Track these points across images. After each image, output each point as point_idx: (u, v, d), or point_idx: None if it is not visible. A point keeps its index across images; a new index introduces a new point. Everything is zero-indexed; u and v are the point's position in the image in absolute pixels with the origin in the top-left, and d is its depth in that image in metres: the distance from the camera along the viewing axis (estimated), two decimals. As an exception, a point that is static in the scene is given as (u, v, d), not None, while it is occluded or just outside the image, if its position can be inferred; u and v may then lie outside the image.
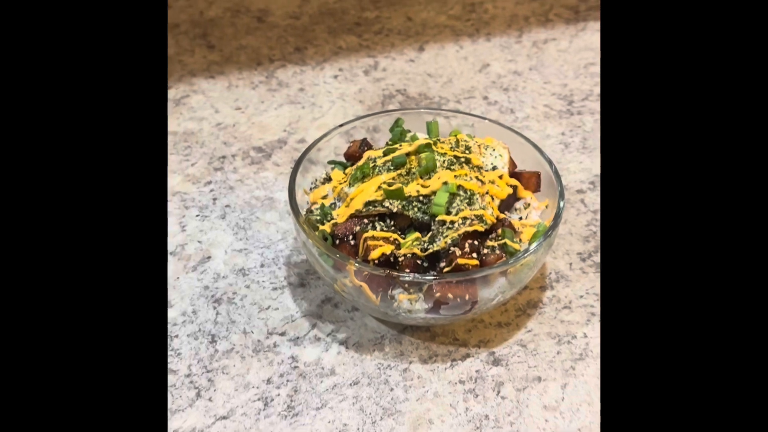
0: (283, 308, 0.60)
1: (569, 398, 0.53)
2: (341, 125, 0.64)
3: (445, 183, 0.54)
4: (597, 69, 0.87)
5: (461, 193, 0.54)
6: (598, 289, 0.61)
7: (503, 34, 0.93)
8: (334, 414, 0.53)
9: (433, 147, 0.57)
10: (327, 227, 0.56)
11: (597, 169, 0.73)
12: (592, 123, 0.79)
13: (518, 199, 0.58)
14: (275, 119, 0.79)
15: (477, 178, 0.56)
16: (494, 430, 0.51)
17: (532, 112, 0.80)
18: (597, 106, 0.81)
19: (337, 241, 0.55)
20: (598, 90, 0.83)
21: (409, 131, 0.62)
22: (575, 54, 0.89)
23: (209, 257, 0.64)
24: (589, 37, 0.92)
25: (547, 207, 0.59)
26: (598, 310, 0.59)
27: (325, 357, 0.56)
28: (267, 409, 0.53)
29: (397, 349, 0.57)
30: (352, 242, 0.55)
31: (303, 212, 0.59)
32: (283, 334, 0.58)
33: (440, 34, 0.93)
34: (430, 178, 0.55)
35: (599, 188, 0.71)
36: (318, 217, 0.57)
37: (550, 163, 0.59)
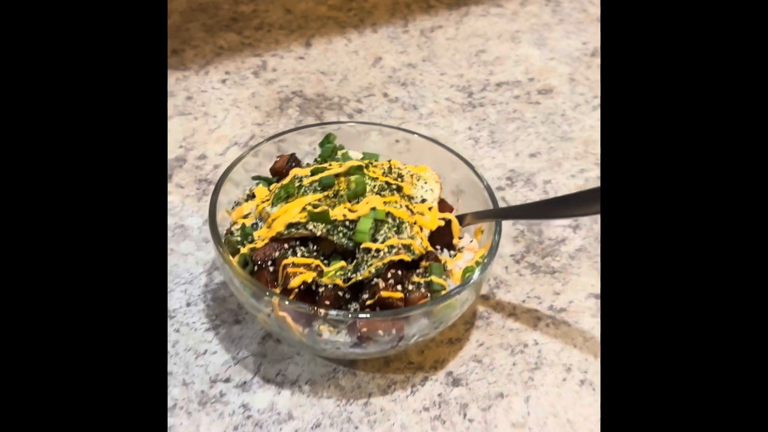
0: (222, 351, 0.55)
1: (534, 412, 0.53)
2: (253, 148, 0.59)
3: (373, 208, 0.52)
4: (488, 56, 0.86)
5: (390, 220, 0.52)
6: (538, 292, 0.61)
7: (389, 24, 0.90)
8: (301, 464, 0.49)
9: (365, 170, 0.54)
10: (247, 250, 0.52)
11: (511, 163, 0.73)
12: (495, 115, 0.78)
13: (452, 236, 0.56)
14: (167, 134, 0.73)
15: (407, 207, 0.53)
16: (468, 455, 0.50)
17: (435, 107, 0.79)
18: (496, 96, 0.81)
19: (256, 268, 0.52)
20: (494, 79, 0.83)
21: (342, 147, 0.59)
22: (464, 41, 0.88)
23: (126, 301, 0.58)
24: (474, 23, 0.92)
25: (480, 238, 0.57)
26: (542, 314, 0.59)
27: (279, 401, 0.52)
28: (228, 469, 0.49)
29: (353, 382, 0.54)
30: (272, 268, 0.51)
31: (223, 234, 0.54)
32: (227, 380, 0.53)
33: (324, 26, 0.89)
34: (358, 202, 0.52)
35: (517, 184, 0.70)
36: (238, 239, 0.53)
37: (489, 190, 0.57)
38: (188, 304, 0.58)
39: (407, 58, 0.85)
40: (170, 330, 0.56)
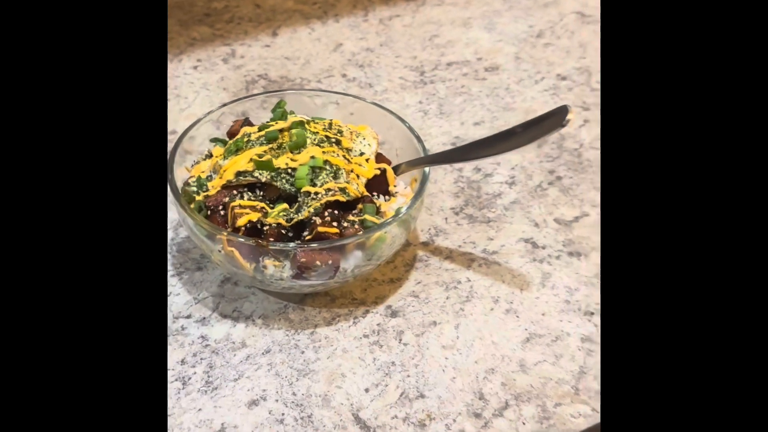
0: (184, 293, 0.62)
1: (463, 336, 0.59)
2: (209, 113, 0.66)
3: (312, 157, 0.58)
4: (441, 40, 0.93)
5: (327, 167, 0.58)
6: (473, 238, 0.67)
7: (350, 15, 0.97)
8: (252, 382, 0.56)
9: (306, 126, 0.61)
10: (201, 197, 0.59)
11: (456, 131, 0.79)
12: (445, 90, 0.85)
13: (387, 184, 0.62)
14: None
15: (344, 157, 0.60)
16: (402, 374, 0.56)
17: (389, 85, 0.86)
18: (447, 74, 0.87)
19: (209, 212, 0.58)
20: (444, 59, 0.90)
21: (293, 112, 0.65)
22: (419, 28, 0.95)
23: (100, 254, 0.65)
24: (429, 11, 0.98)
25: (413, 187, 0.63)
26: (476, 256, 0.66)
27: (234, 332, 0.59)
28: (186, 387, 0.55)
29: (301, 316, 0.60)
30: (223, 213, 0.58)
31: (180, 186, 0.61)
32: (188, 317, 0.60)
33: (290, 18, 0.96)
34: (300, 153, 0.59)
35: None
36: (194, 188, 0.60)
37: (420, 140, 0.64)
38: (156, 255, 0.65)
39: (366, 43, 0.92)
40: (139, 276, 0.63)
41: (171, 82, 0.84)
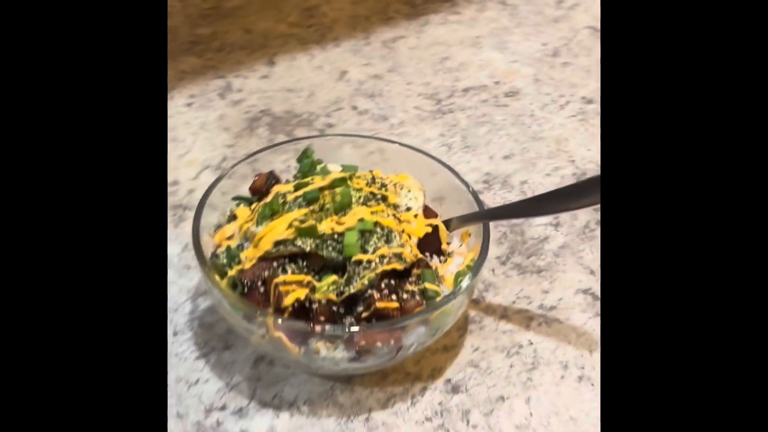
0: (215, 378, 0.54)
1: (536, 412, 0.53)
2: (232, 167, 0.58)
3: (361, 219, 0.51)
4: (452, 63, 0.87)
5: (378, 230, 0.51)
6: (527, 292, 0.61)
7: (350, 38, 0.90)
8: (307, 486, 0.48)
9: (349, 182, 0.54)
10: (234, 272, 0.51)
11: (485, 166, 0.73)
12: (465, 120, 0.78)
13: (440, 242, 0.55)
14: (136, 162, 0.71)
15: (394, 215, 0.53)
16: (475, 462, 0.50)
17: (405, 117, 0.79)
18: (465, 101, 0.81)
19: (246, 289, 0.51)
20: (460, 85, 0.83)
21: (321, 161, 0.58)
22: (426, 50, 0.89)
23: (111, 336, 0.56)
24: (434, 31, 0.92)
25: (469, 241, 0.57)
26: (534, 313, 0.59)
27: (279, 424, 0.51)
28: (233, 498, 0.47)
29: (352, 398, 0.53)
30: (262, 289, 0.50)
31: (207, 258, 0.53)
32: (223, 408, 0.52)
33: (286, 44, 0.88)
34: (345, 214, 0.52)
35: (495, 186, 0.70)
36: (224, 262, 0.52)
37: (474, 193, 0.57)
38: (175, 334, 0.57)
39: (372, 69, 0.85)
40: (159, 361, 0.55)
41: (165, 123, 0.76)
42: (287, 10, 0.94)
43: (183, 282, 0.60)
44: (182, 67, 0.84)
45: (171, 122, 0.76)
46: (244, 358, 0.55)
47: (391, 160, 0.61)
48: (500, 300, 0.60)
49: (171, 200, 0.67)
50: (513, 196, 0.70)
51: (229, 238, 0.54)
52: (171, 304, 0.59)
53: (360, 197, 0.53)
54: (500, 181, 0.71)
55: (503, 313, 0.59)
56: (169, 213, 0.66)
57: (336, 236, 0.50)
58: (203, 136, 0.75)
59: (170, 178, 0.70)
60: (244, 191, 0.58)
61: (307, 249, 0.50)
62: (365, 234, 0.51)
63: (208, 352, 0.56)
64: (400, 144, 0.61)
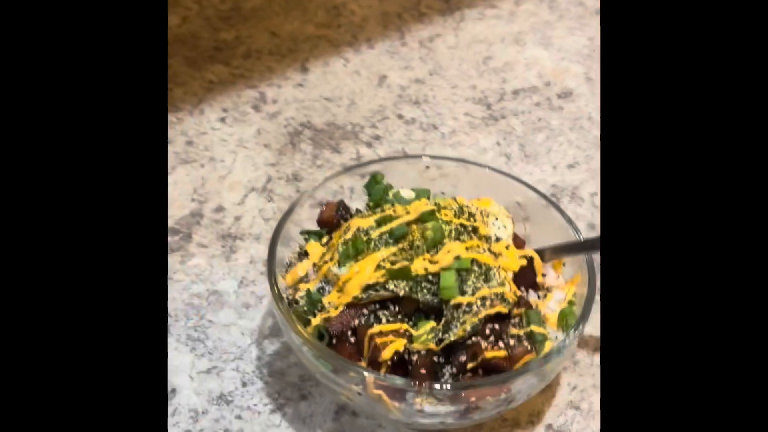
0: (294, 434, 0.49)
1: (650, 458, 0.48)
2: (300, 197, 0.54)
3: (457, 257, 0.46)
4: (496, 63, 0.81)
5: (476, 268, 0.46)
6: (618, 319, 0.56)
7: (384, 37, 0.84)
8: None
9: (437, 214, 0.48)
10: (320, 320, 0.46)
11: (550, 178, 0.68)
12: (521, 126, 0.73)
13: (535, 275, 0.50)
14: (174, 187, 0.65)
15: (489, 249, 0.48)
16: None
17: (455, 125, 0.73)
18: (516, 105, 0.76)
19: (335, 341, 0.46)
20: (508, 87, 0.78)
21: (391, 186, 0.53)
22: (467, 49, 0.83)
23: (173, 390, 0.51)
24: (472, 27, 0.86)
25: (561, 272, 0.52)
26: (629, 343, 0.55)
27: (372, 485, 0.47)
28: None
29: (448, 451, 0.48)
30: (353, 339, 0.45)
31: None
32: (309, 469, 0.47)
33: (316, 47, 0.82)
34: (437, 252, 0.47)
35: (563, 200, 0.66)
36: (305, 308, 0.47)
37: (567, 217, 0.52)
38: (244, 384, 0.51)
39: (413, 73, 0.80)
40: (231, 417, 0.49)
41: (199, 141, 0.70)
42: (312, 10, 0.88)
43: (244, 323, 0.55)
44: (209, 77, 0.77)
45: (206, 140, 0.70)
46: (324, 409, 0.50)
47: (459, 177, 0.56)
48: (591, 330, 0.55)
49: (218, 229, 0.62)
50: (585, 211, 0.65)
51: (303, 278, 0.49)
52: (235, 350, 0.53)
53: (451, 231, 0.47)
54: (568, 194, 0.66)
55: (596, 346, 0.55)
56: (218, 244, 0.61)
57: (430, 277, 0.45)
58: (243, 154, 0.69)
59: (214, 204, 0.64)
60: (305, 218, 0.53)
61: (401, 293, 0.45)
62: (462, 273, 0.46)
63: (283, 403, 0.51)
64: (479, 165, 0.57)
